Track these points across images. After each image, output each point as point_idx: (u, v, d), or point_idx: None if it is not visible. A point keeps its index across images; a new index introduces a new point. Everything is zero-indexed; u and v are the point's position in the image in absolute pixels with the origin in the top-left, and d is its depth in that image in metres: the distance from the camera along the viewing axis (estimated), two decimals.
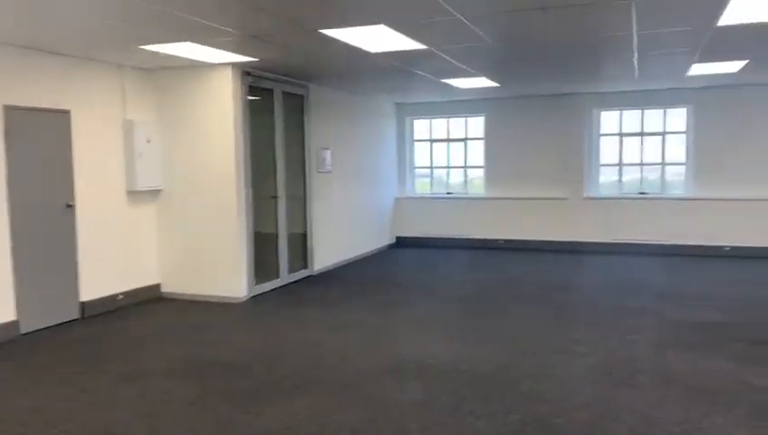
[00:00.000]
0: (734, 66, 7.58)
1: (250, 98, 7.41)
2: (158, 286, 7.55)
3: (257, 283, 7.57)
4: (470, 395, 4.20)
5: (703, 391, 4.21)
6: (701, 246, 9.94)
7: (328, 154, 9.22)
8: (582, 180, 10.58)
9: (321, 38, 5.50)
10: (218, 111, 7.13)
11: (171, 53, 6.20)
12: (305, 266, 8.69)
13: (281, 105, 8.02)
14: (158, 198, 7.48)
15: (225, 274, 7.27)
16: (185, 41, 5.69)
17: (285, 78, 8.02)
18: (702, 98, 9.87)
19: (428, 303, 7.06)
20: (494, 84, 8.98)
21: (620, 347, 5.21)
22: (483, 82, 8.65)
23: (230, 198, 7.17)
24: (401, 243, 11.64)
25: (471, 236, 11.21)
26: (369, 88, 9.55)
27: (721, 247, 9.86)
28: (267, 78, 7.67)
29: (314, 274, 8.84)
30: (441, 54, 6.44)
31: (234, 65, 7.01)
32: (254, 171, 7.49)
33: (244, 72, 7.24)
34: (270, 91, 7.84)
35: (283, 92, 8.07)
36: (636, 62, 7.14)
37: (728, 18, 4.98)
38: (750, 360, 4.82)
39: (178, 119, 7.32)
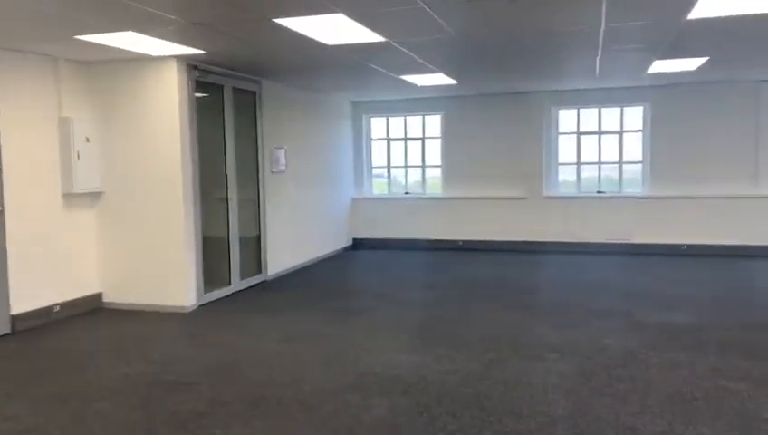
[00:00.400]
0: (692, 64, 7.52)
1: (198, 95, 6.96)
2: (98, 296, 7.02)
3: (207, 291, 7.12)
4: (440, 411, 3.89)
5: (684, 399, 4.01)
6: (659, 245, 9.93)
7: (282, 154, 8.81)
8: (542, 179, 10.46)
9: (273, 28, 5.12)
10: (163, 108, 6.66)
11: (111, 44, 5.71)
12: (259, 271, 8.27)
13: (231, 102, 7.58)
14: (98, 202, 6.95)
15: (172, 282, 6.80)
16: (125, 30, 5.22)
17: (236, 73, 7.59)
18: (659, 96, 9.86)
19: (390, 308, 6.74)
20: (452, 82, 8.74)
21: (594, 352, 5.00)
22: (441, 79, 8.39)
23: (177, 201, 6.71)
24: (359, 245, 11.31)
25: (429, 238, 10.96)
26: (324, 85, 9.18)
27: (678, 246, 9.86)
28: (216, 73, 7.22)
29: (268, 279, 8.42)
30: (400, 48, 6.14)
31: (179, 58, 6.55)
32: (203, 172, 7.04)
33: (191, 65, 6.79)
34: (219, 87, 7.40)
35: (234, 88, 7.63)
36: (599, 58, 6.99)
37: (700, 11, 4.83)
38: (726, 365, 4.67)
39: (120, 116, 6.81)
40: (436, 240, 10.91)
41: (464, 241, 10.81)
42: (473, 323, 6.02)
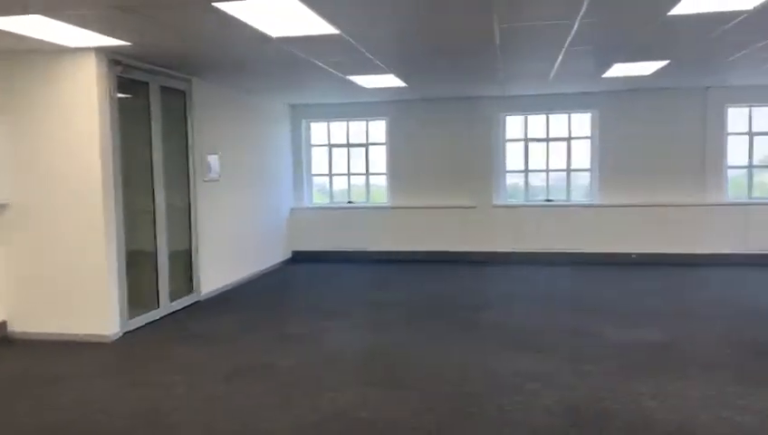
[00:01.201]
0: (651, 67, 7.27)
1: (121, 96, 6.11)
2: (2, 325, 6.05)
3: (132, 315, 6.27)
4: None
5: None
6: (609, 254, 9.71)
7: (215, 160, 8.02)
8: (491, 187, 10.07)
9: (212, 14, 4.41)
10: (80, 108, 5.78)
11: (15, 30, 4.84)
12: (191, 291, 7.44)
13: (158, 102, 6.76)
14: (2, 215, 5.99)
15: (91, 306, 5.92)
16: (32, 12, 4.38)
17: (164, 70, 6.77)
18: (607, 103, 9.67)
19: (342, 333, 6.10)
20: (401, 84, 8.21)
21: (577, 381, 4.53)
22: (391, 80, 7.84)
23: (96, 214, 5.84)
24: (299, 258, 10.59)
25: (374, 249, 10.38)
26: (261, 86, 8.44)
27: (627, 254, 9.68)
28: (141, 69, 6.40)
29: (202, 299, 7.61)
30: (353, 43, 5.53)
31: (98, 50, 5.71)
32: (127, 180, 6.19)
33: (113, 60, 5.95)
34: (145, 84, 6.57)
35: (162, 87, 6.81)
36: (559, 59, 6.61)
37: (684, 7, 4.47)
38: (718, 389, 4.29)
39: (30, 118, 5.88)
40: (382, 252, 10.34)
41: (411, 252, 10.28)
42: (437, 349, 5.46)
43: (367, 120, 10.57)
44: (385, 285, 8.49)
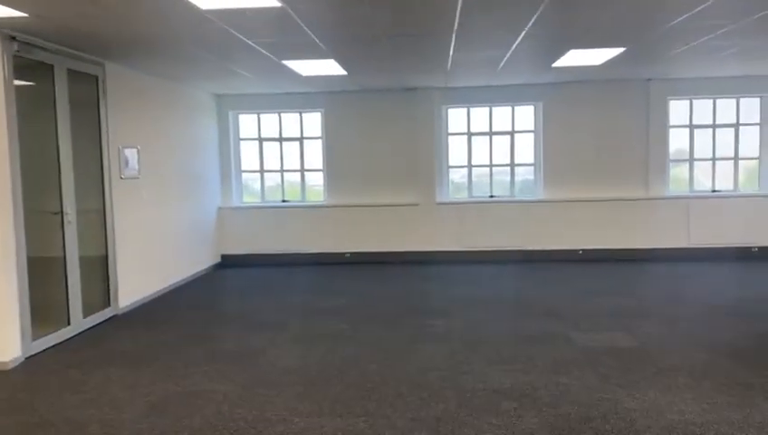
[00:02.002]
0: (606, 55, 6.94)
1: (19, 83, 5.20)
2: None
3: (37, 336, 5.36)
4: None
5: None
6: (555, 251, 9.45)
7: (133, 155, 7.14)
8: (434, 184, 9.59)
9: None
10: None
11: None
12: (107, 304, 6.56)
13: (65, 87, 5.85)
14: None
15: None
16: None
17: (72, 50, 5.88)
18: (551, 95, 9.38)
19: (281, 349, 5.41)
20: (341, 72, 7.58)
21: (557, 397, 4.06)
22: (330, 67, 7.19)
23: None
24: (228, 262, 9.77)
25: (312, 251, 9.70)
26: (186, 71, 7.60)
27: (574, 251, 9.44)
28: (45, 48, 5.49)
29: (121, 313, 6.73)
30: (296, 18, 4.86)
31: None
32: (29, 179, 5.28)
33: (9, 36, 5.03)
34: (49, 67, 5.66)
35: (69, 71, 5.91)
36: (515, 44, 6.17)
37: None
38: (711, 401, 3.93)
39: None
40: (320, 254, 9.68)
41: (351, 254, 9.67)
42: (397, 364, 4.89)
43: (300, 112, 9.87)
44: (325, 291, 7.85)
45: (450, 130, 9.76)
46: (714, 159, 9.51)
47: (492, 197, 9.72)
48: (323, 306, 6.88)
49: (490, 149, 9.69)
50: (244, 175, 10.13)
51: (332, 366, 4.85)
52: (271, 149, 9.98)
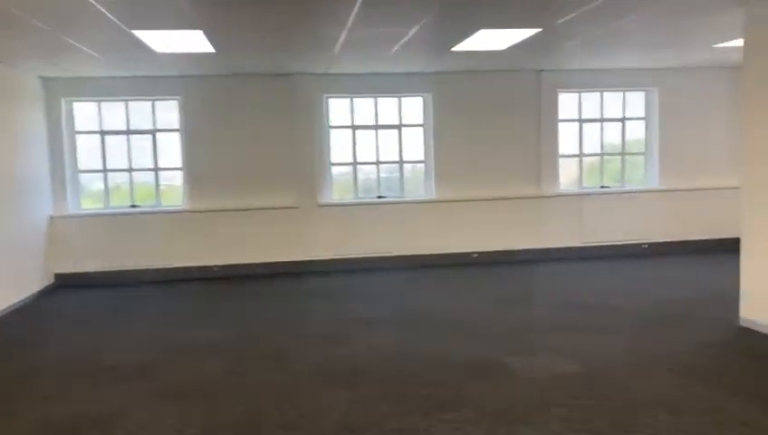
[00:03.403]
0: (516, 37, 6.19)
1: None
2: None
3: None
4: None
5: None
6: (449, 254, 8.67)
7: None
8: (315, 183, 8.43)
9: None
10: None
11: None
12: None
13: None
14: None
15: None
16: None
17: None
18: (441, 85, 8.58)
19: (145, 410, 4.01)
20: (208, 50, 6.21)
21: None
22: (195, 41, 5.80)
23: None
24: (64, 283, 7.93)
25: (171, 265, 8.15)
26: (4, 45, 5.81)
27: (469, 254, 8.73)
28: None
29: None
30: None
31: None
32: None
33: None
34: None
35: None
36: (422, 22, 5.21)
37: None
38: None
39: None
40: (181, 268, 8.15)
41: (219, 267, 8.24)
42: (294, 424, 3.70)
43: (153, 101, 8.25)
44: (192, 317, 6.44)
45: (332, 123, 8.65)
46: (602, 155, 9.24)
47: (380, 197, 8.75)
48: (193, 340, 5.49)
49: (376, 144, 8.71)
50: (81, 176, 8.30)
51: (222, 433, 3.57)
52: (116, 143, 8.26)
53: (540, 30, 5.82)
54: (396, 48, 6.49)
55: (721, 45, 6.93)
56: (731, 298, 5.52)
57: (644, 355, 4.66)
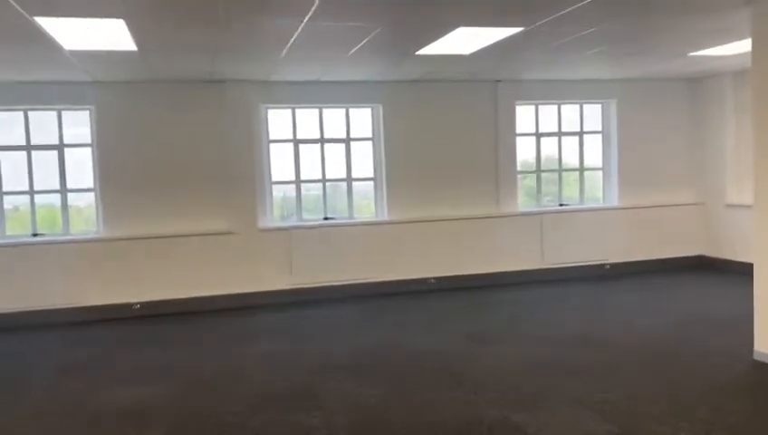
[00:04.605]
0: (493, 37, 5.47)
1: None
2: None
3: None
4: None
5: None
6: (404, 281, 7.84)
7: None
8: (254, 205, 7.41)
9: None
10: None
11: None
12: None
13: None
14: None
15: None
16: None
17: None
18: (391, 96, 7.80)
19: None
20: (129, 47, 5.15)
21: None
22: (113, 35, 4.74)
23: None
24: None
25: (80, 305, 6.88)
26: None
27: (426, 280, 7.94)
28: None
29: None
30: None
31: None
32: None
33: None
34: None
35: None
36: (392, 19, 4.41)
37: None
38: None
39: None
40: (94, 308, 6.90)
41: (142, 304, 7.05)
42: None
43: (60, 111, 7.02)
44: (109, 370, 5.26)
45: (272, 137, 7.68)
46: (560, 171, 8.73)
47: (326, 219, 7.83)
48: (115, 403, 4.37)
49: (322, 159, 7.81)
50: None
51: None
52: (11, 161, 6.95)
53: (521, 29, 5.13)
54: (356, 49, 5.64)
55: (699, 54, 6.52)
56: (723, 325, 5.04)
57: (676, 406, 3.98)
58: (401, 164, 7.90)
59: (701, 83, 8.57)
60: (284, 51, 5.62)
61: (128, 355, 5.65)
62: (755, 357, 4.73)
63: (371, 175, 8.01)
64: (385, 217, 7.92)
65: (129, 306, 7.01)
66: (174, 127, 7.15)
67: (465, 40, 5.45)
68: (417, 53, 5.92)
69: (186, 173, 7.21)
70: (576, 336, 5.62)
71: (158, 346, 5.91)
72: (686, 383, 4.34)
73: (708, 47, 6.22)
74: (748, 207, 8.04)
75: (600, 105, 8.72)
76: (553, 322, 6.21)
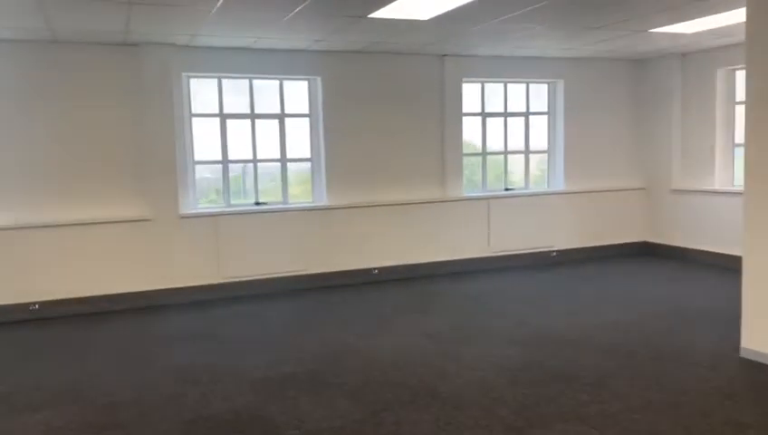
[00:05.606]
0: (449, 4, 4.86)
1: None
2: None
3: None
4: None
5: None
6: (346, 272, 7.18)
7: None
8: (174, 188, 6.47)
9: None
10: None
11: None
12: None
13: None
14: None
15: None
16: None
17: None
18: (329, 68, 7.05)
19: None
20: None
21: None
22: None
23: None
24: None
25: None
26: None
27: (369, 270, 7.30)
28: None
29: None
30: None
31: None
32: None
33: None
34: None
35: None
36: None
37: None
38: None
39: None
40: None
41: (40, 304, 5.99)
42: None
43: None
44: (7, 386, 4.29)
45: (195, 111, 6.74)
46: (506, 153, 8.27)
47: (258, 205, 7.00)
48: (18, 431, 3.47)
49: (253, 137, 6.96)
50: None
51: None
52: None
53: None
54: (299, 8, 4.85)
55: (661, 30, 6.16)
56: (691, 317, 4.70)
57: (688, 420, 3.54)
58: (341, 143, 7.17)
59: (648, 64, 8.33)
60: (214, 8, 4.75)
61: (28, 362, 4.65)
62: (742, 355, 4.40)
63: (308, 155, 7.23)
64: (323, 201, 7.18)
65: (26, 307, 5.93)
66: (75, 96, 6.08)
67: (420, 3, 4.78)
68: (369, 15, 5.20)
69: (91, 150, 6.17)
70: (546, 335, 5.12)
71: (67, 355, 4.93)
72: (686, 386, 3.92)
73: (663, 25, 5.88)
74: (695, 192, 8.06)
75: (546, 85, 8.31)
76: (515, 317, 5.71)
